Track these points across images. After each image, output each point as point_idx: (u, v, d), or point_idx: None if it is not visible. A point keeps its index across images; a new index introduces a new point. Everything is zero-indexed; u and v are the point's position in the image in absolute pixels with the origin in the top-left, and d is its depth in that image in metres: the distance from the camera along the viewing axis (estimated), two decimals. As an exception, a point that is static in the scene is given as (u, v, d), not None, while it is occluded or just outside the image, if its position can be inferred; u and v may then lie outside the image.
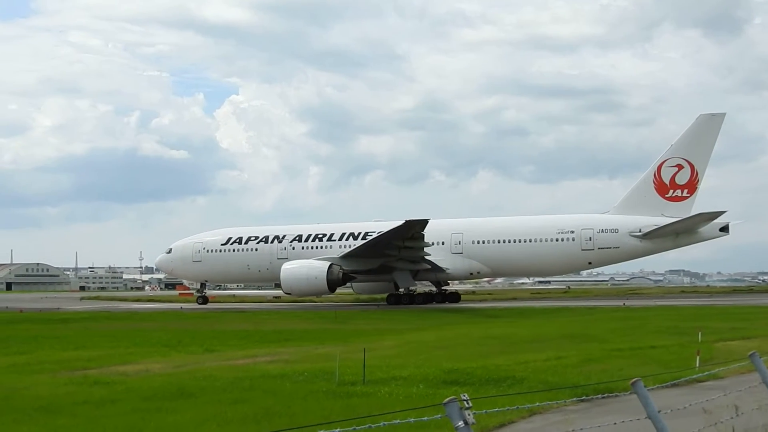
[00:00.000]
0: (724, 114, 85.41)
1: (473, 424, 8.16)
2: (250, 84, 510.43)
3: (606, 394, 17.32)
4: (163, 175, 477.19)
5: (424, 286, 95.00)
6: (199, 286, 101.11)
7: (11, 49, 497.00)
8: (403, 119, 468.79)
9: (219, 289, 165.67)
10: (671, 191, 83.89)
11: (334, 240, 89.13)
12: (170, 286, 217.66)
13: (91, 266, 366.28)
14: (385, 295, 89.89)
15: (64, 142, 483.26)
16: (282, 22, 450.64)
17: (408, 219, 77.02)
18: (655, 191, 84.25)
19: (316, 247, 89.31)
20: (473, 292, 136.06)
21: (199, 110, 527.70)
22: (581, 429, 11.12)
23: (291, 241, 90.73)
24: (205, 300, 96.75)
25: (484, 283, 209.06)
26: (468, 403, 8.24)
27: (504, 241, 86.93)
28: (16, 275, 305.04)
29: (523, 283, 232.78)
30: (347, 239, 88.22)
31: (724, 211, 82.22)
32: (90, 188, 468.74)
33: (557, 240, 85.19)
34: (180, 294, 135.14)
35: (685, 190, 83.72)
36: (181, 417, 18.95)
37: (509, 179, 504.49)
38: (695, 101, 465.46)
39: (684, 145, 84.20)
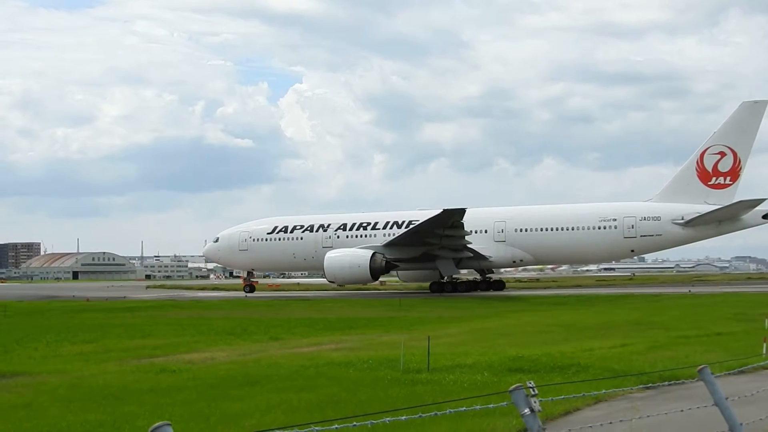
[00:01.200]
0: (767, 101, 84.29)
1: (539, 411, 8.12)
2: (315, 72, 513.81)
3: (672, 382, 17.16)
4: (227, 163, 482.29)
5: (471, 274, 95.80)
6: (245, 275, 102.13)
7: (78, 40, 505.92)
8: (468, 107, 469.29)
9: (283, 277, 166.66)
10: (714, 179, 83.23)
11: (378, 229, 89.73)
12: (236, 275, 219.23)
13: (156, 255, 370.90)
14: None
15: (130, 132, 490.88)
16: (347, 10, 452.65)
17: (445, 208, 77.12)
18: (697, 179, 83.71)
19: (361, 236, 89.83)
20: (537, 280, 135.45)
21: (263, 99, 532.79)
22: (648, 416, 11.03)
23: (336, 230, 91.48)
24: (252, 288, 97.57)
25: (548, 271, 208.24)
26: (534, 391, 8.20)
27: (546, 229, 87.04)
28: (83, 264, 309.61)
29: (587, 270, 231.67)
30: (391, 228, 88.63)
31: (765, 199, 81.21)
32: (155, 177, 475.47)
33: (600, 228, 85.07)
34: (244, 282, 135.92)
35: (728, 178, 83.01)
36: (246, 405, 19.07)
37: (574, 167, 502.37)
38: (763, 86, 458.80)
39: (726, 132, 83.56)
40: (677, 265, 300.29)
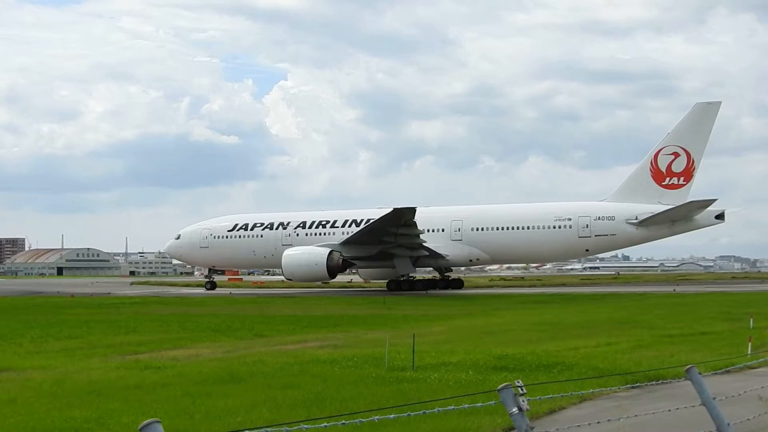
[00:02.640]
0: (720, 102, 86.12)
1: (527, 410, 8.12)
2: (300, 69, 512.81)
3: (657, 381, 17.21)
4: (213, 160, 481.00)
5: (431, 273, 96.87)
6: (207, 272, 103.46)
7: (64, 35, 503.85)
8: (454, 104, 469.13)
9: (268, 274, 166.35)
10: (668, 179, 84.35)
11: (337, 227, 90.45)
12: (219, 271, 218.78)
13: (141, 251, 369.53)
14: None
15: (116, 128, 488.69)
16: (334, 6, 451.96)
17: (396, 207, 77.78)
18: (651, 179, 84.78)
19: (320, 234, 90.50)
20: (522, 278, 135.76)
21: (248, 96, 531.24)
22: (635, 415, 11.04)
23: (295, 228, 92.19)
24: (213, 285, 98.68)
25: (533, 269, 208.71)
26: (522, 390, 8.22)
27: (502, 228, 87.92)
28: (67, 260, 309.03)
29: (572, 269, 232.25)
30: (349, 226, 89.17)
31: (715, 199, 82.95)
32: (141, 174, 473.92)
33: (555, 227, 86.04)
34: (229, 279, 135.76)
35: (682, 178, 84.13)
36: (231, 401, 19.04)
37: (560, 165, 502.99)
38: (750, 85, 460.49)
39: (680, 133, 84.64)
40: (662, 264, 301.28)
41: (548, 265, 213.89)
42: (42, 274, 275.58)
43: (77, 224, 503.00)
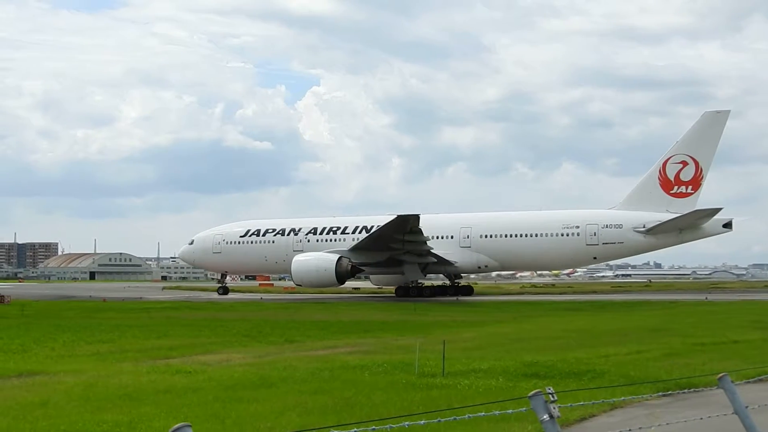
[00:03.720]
0: (728, 111, 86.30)
1: (559, 417, 8.09)
2: (334, 75, 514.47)
3: (689, 389, 17.08)
4: (246, 166, 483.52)
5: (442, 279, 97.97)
6: (220, 277, 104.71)
7: (99, 41, 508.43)
8: (488, 110, 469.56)
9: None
10: (676, 187, 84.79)
11: (347, 233, 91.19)
12: (250, 276, 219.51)
13: (173, 256, 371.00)
14: None
15: (150, 134, 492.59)
16: (368, 12, 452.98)
17: (399, 214, 78.55)
18: (660, 187, 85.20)
19: (330, 240, 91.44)
20: (553, 285, 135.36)
21: (281, 102, 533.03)
22: (666, 423, 10.98)
23: (306, 234, 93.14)
24: (225, 290, 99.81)
25: (564, 276, 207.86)
26: (553, 397, 8.18)
27: (511, 236, 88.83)
28: (99, 265, 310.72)
29: (603, 276, 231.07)
30: (360, 232, 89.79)
31: (721, 208, 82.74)
32: (174, 179, 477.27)
33: (562, 235, 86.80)
34: (260, 284, 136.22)
35: (690, 187, 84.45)
36: (262, 406, 19.08)
37: (593, 172, 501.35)
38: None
39: (689, 142, 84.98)
40: (694, 272, 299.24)
41: (579, 272, 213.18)
42: (75, 279, 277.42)
43: (110, 229, 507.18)
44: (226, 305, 72.68)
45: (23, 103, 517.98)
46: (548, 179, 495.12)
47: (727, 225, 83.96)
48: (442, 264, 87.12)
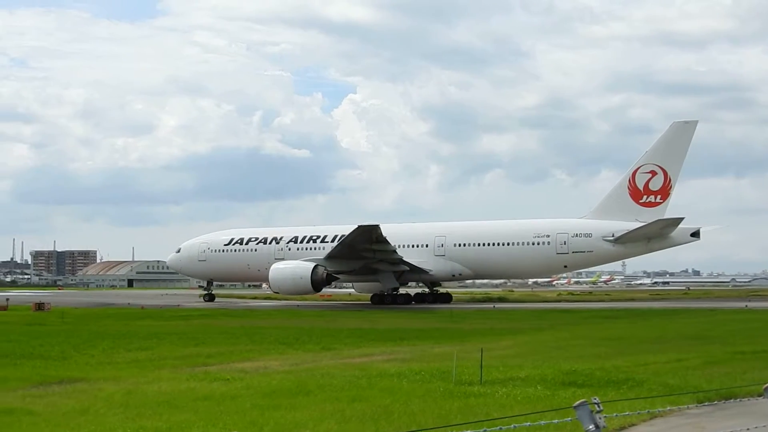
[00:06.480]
0: (697, 122, 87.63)
1: (604, 428, 8.01)
2: (371, 83, 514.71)
3: (730, 399, 16.93)
4: (284, 173, 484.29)
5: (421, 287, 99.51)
6: (206, 284, 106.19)
7: (138, 50, 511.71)
8: (526, 117, 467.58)
9: (337, 288, 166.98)
10: (645, 197, 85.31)
11: (327, 242, 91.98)
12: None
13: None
14: None
15: (188, 142, 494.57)
16: (406, 19, 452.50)
17: (360, 224, 79.88)
18: (629, 197, 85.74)
19: (310, 249, 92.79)
20: (590, 293, 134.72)
21: (319, 109, 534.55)
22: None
23: (287, 242, 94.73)
24: (211, 298, 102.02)
25: (602, 284, 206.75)
26: (599, 407, 8.11)
27: (484, 244, 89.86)
28: (137, 272, 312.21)
29: (641, 284, 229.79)
30: (338, 241, 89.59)
31: (683, 218, 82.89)
32: (211, 187, 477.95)
33: (534, 243, 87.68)
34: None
35: (659, 196, 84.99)
36: (300, 414, 19.12)
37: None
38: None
39: (658, 151, 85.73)
40: (733, 279, 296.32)
41: (616, 279, 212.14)
42: (113, 286, 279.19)
43: (148, 237, 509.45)
44: (263, 313, 72.90)
45: (64, 112, 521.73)
46: (587, 186, 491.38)
47: (695, 234, 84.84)
48: (416, 272, 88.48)
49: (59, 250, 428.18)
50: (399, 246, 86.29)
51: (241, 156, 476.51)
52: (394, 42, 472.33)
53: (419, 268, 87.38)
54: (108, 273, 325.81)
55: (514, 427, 8.06)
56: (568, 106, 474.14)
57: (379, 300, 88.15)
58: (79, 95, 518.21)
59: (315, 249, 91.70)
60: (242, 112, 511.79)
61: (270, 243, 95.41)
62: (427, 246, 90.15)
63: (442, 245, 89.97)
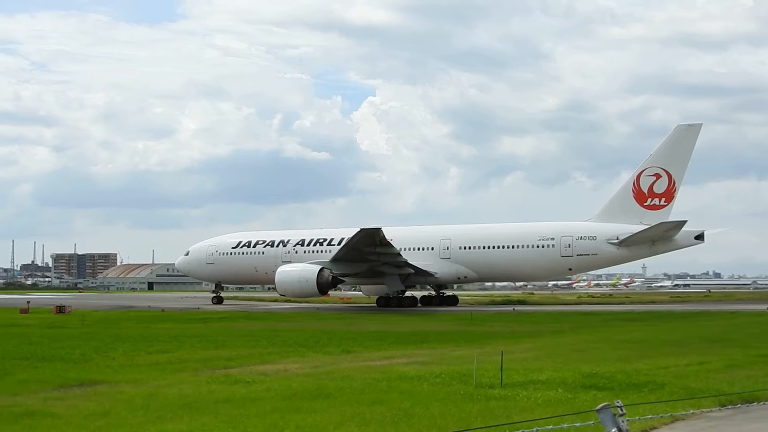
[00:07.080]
0: (701, 125, 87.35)
1: (627, 431, 7.97)
2: (390, 85, 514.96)
3: (752, 402, 16.84)
4: (304, 176, 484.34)
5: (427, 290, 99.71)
6: (214, 287, 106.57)
7: (158, 53, 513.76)
8: (547, 119, 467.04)
9: (354, 290, 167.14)
10: (649, 200, 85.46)
11: (333, 245, 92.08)
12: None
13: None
14: None
15: (208, 145, 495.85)
16: (425, 22, 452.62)
17: (362, 227, 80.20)
18: (634, 199, 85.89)
19: (317, 251, 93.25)
20: (611, 296, 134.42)
21: (339, 112, 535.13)
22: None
23: (294, 245, 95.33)
24: (219, 300, 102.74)
25: (622, 287, 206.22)
26: (622, 410, 8.07)
27: (489, 247, 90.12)
28: (158, 275, 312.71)
29: (661, 287, 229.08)
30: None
31: (686, 221, 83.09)
32: (231, 190, 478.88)
33: (538, 246, 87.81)
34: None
35: (663, 199, 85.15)
36: (320, 417, 19.12)
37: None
38: None
39: (662, 154, 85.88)
40: (754, 281, 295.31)
41: (637, 282, 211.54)
42: (133, 289, 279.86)
43: (168, 239, 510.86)
44: (283, 316, 72.99)
45: (85, 116, 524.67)
46: (607, 188, 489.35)
47: (699, 237, 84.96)
48: (421, 275, 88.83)
49: (80, 253, 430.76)
50: (404, 249, 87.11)
51: (261, 159, 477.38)
52: (414, 44, 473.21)
53: (424, 270, 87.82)
54: (128, 276, 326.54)
55: (536, 430, 8.05)
56: (589, 108, 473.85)
57: (385, 303, 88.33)
58: (99, 99, 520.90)
59: (322, 252, 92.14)
60: (262, 115, 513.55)
61: (277, 246, 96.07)
62: (432, 249, 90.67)
63: (448, 248, 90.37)
